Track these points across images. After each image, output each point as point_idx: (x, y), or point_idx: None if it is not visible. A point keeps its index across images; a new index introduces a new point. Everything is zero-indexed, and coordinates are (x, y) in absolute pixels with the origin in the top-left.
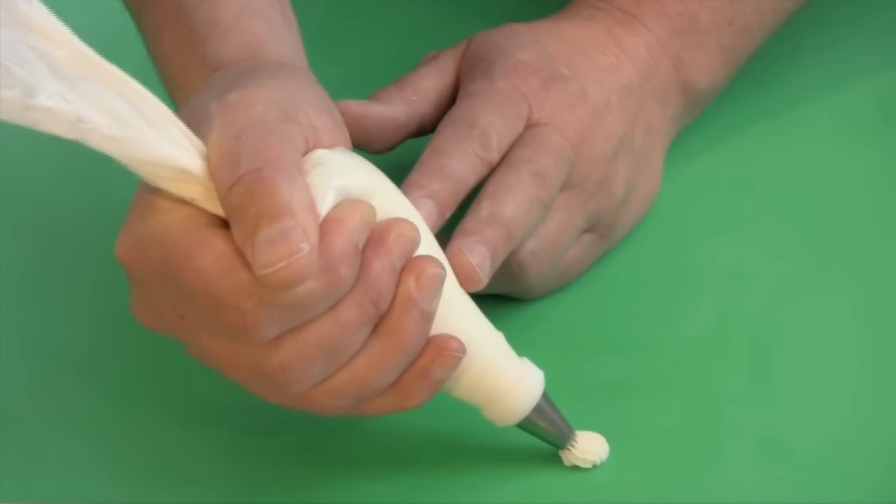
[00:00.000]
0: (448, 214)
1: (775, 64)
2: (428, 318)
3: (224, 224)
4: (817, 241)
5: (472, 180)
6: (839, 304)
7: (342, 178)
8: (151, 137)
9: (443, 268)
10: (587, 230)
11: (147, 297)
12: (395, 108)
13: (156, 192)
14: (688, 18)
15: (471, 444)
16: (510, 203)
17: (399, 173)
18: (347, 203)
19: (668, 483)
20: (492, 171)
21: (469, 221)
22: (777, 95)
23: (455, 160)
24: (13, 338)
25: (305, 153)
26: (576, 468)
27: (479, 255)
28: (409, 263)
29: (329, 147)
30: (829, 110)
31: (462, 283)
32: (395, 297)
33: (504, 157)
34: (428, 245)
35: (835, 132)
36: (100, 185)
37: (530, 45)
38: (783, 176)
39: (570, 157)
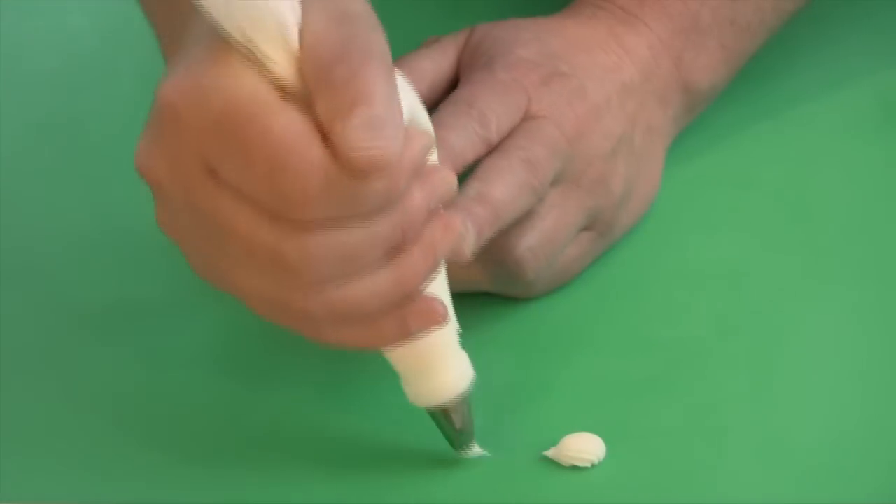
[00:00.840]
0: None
1: (775, 64)
2: (437, 268)
3: (296, 99)
4: (817, 240)
5: (469, 156)
6: (840, 304)
7: (406, 100)
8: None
9: (467, 228)
10: (585, 228)
11: (174, 147)
12: None
13: (228, 49)
14: (689, 18)
15: None
16: (499, 185)
17: None
18: (425, 126)
19: (667, 483)
20: (489, 152)
21: (457, 199)
22: (777, 95)
23: (454, 133)
24: (13, 338)
25: None
26: (574, 468)
27: (466, 228)
28: (440, 214)
29: None
30: (829, 110)
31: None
32: (421, 237)
33: (498, 145)
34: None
35: (835, 132)
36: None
37: (532, 41)
38: (783, 175)
39: (565, 151)
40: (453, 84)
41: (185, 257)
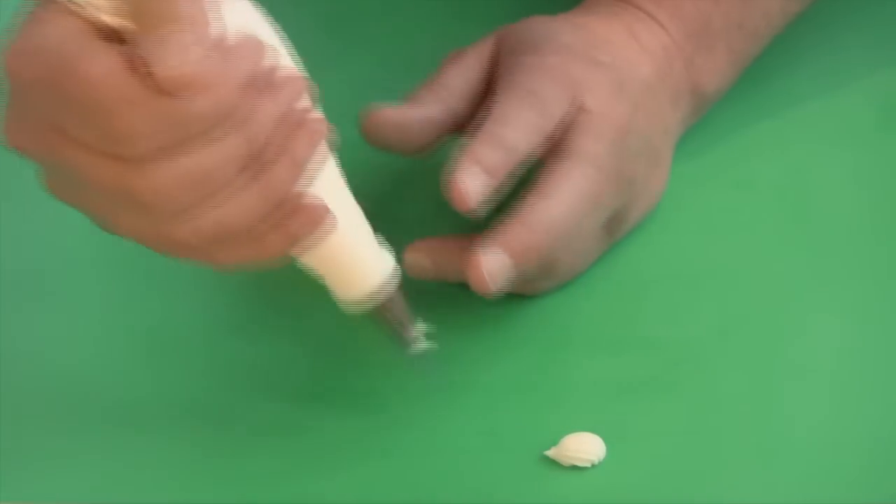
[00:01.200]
0: (499, 184)
1: (775, 64)
2: (302, 169)
3: (118, 40)
4: (817, 240)
5: (526, 149)
6: (839, 304)
7: (241, 17)
8: None
9: (325, 124)
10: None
11: (25, 113)
12: (429, 108)
13: (49, 3)
14: (701, 21)
15: (469, 443)
16: (559, 202)
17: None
18: (256, 38)
19: (667, 483)
20: (548, 141)
21: (519, 212)
22: (777, 95)
23: (510, 128)
24: (13, 338)
25: None
26: (574, 468)
27: (497, 262)
28: (294, 114)
29: None
30: (829, 110)
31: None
32: (278, 146)
33: (559, 146)
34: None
35: (835, 132)
36: None
37: (571, 31)
38: (783, 176)
39: (620, 149)
40: (485, 91)
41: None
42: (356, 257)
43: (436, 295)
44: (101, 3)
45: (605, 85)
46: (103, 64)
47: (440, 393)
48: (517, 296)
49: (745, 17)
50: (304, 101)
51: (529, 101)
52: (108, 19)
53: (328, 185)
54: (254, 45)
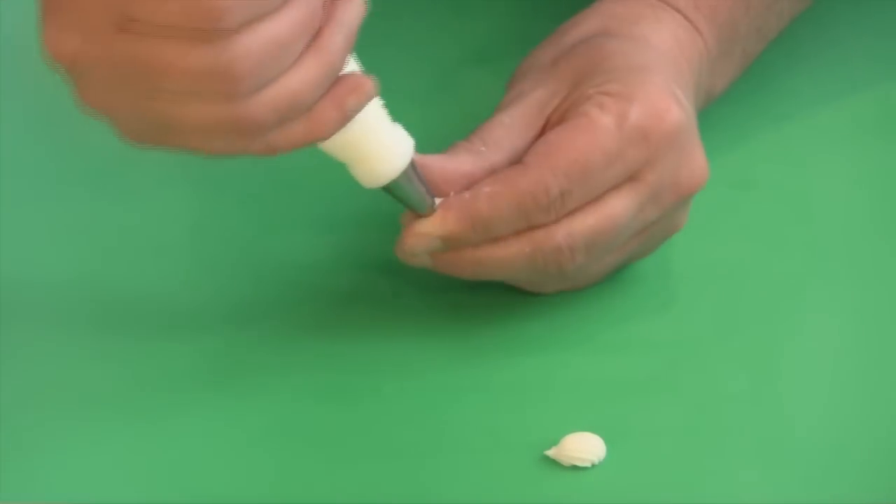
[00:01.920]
0: None
1: (775, 64)
2: (351, 39)
3: None
4: (817, 240)
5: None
6: (839, 304)
7: None
8: None
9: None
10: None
11: (75, 16)
12: (460, 160)
13: None
14: (730, 29)
15: (469, 443)
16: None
17: None
18: None
19: (667, 483)
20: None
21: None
22: (777, 95)
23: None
24: (13, 337)
25: None
26: (574, 468)
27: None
28: None
29: None
30: (829, 110)
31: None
32: (331, 15)
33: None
34: None
35: (835, 132)
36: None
37: (653, 65)
38: (783, 176)
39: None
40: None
41: (120, 129)
42: (382, 138)
43: (436, 295)
44: None
45: (678, 154)
46: None
47: (440, 393)
48: (518, 296)
49: (763, 22)
50: None
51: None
52: None
53: (352, 63)
54: None
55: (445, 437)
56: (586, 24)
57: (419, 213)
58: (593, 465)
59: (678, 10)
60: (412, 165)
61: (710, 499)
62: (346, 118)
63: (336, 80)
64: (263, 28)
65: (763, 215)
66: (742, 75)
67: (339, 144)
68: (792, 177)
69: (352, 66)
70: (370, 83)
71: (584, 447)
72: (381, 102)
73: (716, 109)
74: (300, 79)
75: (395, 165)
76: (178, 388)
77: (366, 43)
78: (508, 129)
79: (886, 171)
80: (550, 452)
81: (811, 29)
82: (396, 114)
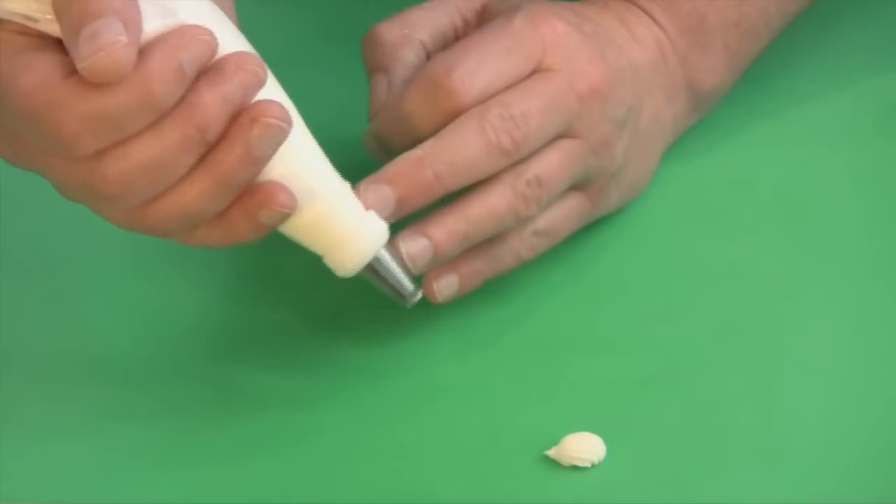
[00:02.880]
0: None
1: (775, 64)
2: (258, 161)
3: (58, 46)
4: (817, 241)
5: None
6: (839, 304)
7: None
8: None
9: (287, 119)
10: (577, 187)
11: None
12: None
13: None
14: (696, 18)
15: (469, 443)
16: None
17: None
18: (183, 28)
19: (667, 483)
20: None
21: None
22: (777, 96)
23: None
24: (13, 338)
25: None
26: (574, 468)
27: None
28: (251, 106)
29: None
30: (829, 110)
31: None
32: (227, 132)
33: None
34: (273, 90)
35: (835, 132)
36: None
37: (561, 5)
38: (783, 176)
39: (571, 107)
40: (456, 34)
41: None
42: (337, 224)
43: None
44: (35, 13)
45: (579, 48)
46: (36, 73)
47: (440, 393)
48: (519, 296)
49: (741, 16)
50: (266, 90)
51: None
52: (45, 27)
53: (296, 157)
54: (184, 34)
55: (445, 436)
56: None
57: (400, 301)
58: (593, 465)
59: (631, 2)
60: (387, 251)
61: (710, 499)
62: (260, 229)
63: (249, 190)
64: (133, 150)
65: (763, 215)
66: (742, 75)
67: (291, 234)
68: (792, 177)
69: (273, 91)
70: (286, 198)
71: (584, 447)
72: (343, 189)
73: (716, 109)
74: (191, 193)
75: (362, 255)
76: (178, 388)
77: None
78: (428, 11)
79: (886, 171)
80: (550, 452)
81: (811, 29)
82: None
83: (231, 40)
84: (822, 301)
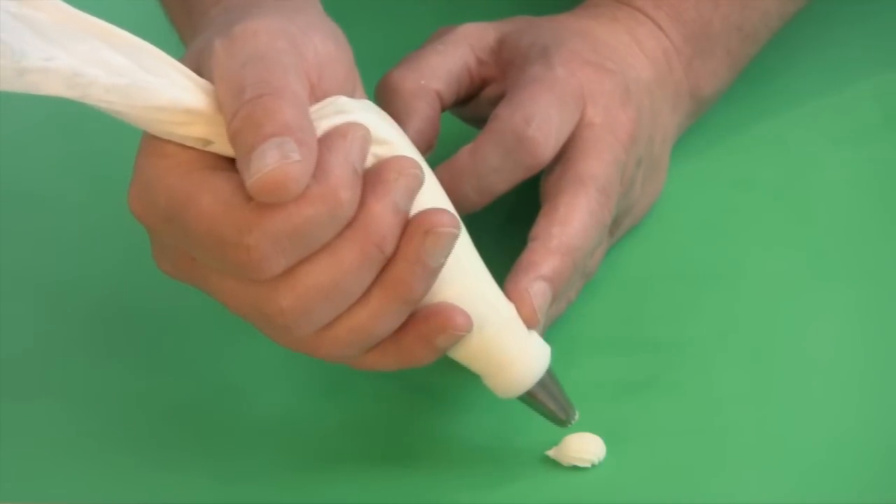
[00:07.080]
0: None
1: (775, 64)
2: (433, 273)
3: (231, 165)
4: (817, 241)
5: (503, 187)
6: (839, 304)
7: (353, 116)
8: (153, 83)
9: (457, 225)
10: None
11: (162, 245)
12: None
13: (161, 139)
14: (701, 25)
15: (470, 443)
16: (576, 224)
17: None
18: (345, 124)
19: (667, 483)
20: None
21: (532, 244)
22: (777, 96)
23: (494, 174)
24: (14, 338)
25: (310, 86)
26: (574, 468)
27: (541, 293)
28: (420, 216)
29: (337, 80)
30: (829, 110)
31: (525, 320)
32: (399, 248)
33: (566, 165)
34: (437, 197)
35: (835, 132)
36: (100, 182)
37: (577, 35)
38: (783, 176)
39: (623, 161)
40: (471, 76)
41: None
42: (509, 352)
43: None
44: (210, 135)
45: (612, 93)
46: (214, 194)
47: (441, 393)
48: None
49: (744, 20)
50: (421, 182)
51: (524, 136)
52: (219, 149)
53: (468, 278)
54: (348, 131)
55: (446, 437)
56: (543, 23)
57: (558, 423)
58: (593, 466)
59: (637, 10)
60: (549, 375)
61: (710, 499)
62: (437, 354)
63: (425, 313)
64: (310, 274)
65: (763, 215)
66: (742, 75)
67: (459, 358)
68: (792, 177)
69: (431, 188)
70: (463, 321)
71: (584, 447)
72: (510, 313)
73: (716, 109)
74: (367, 315)
75: (524, 382)
76: (177, 388)
77: (363, 43)
78: (442, 56)
79: (886, 171)
80: (550, 452)
81: (811, 29)
82: None
83: (386, 131)
84: (821, 301)
